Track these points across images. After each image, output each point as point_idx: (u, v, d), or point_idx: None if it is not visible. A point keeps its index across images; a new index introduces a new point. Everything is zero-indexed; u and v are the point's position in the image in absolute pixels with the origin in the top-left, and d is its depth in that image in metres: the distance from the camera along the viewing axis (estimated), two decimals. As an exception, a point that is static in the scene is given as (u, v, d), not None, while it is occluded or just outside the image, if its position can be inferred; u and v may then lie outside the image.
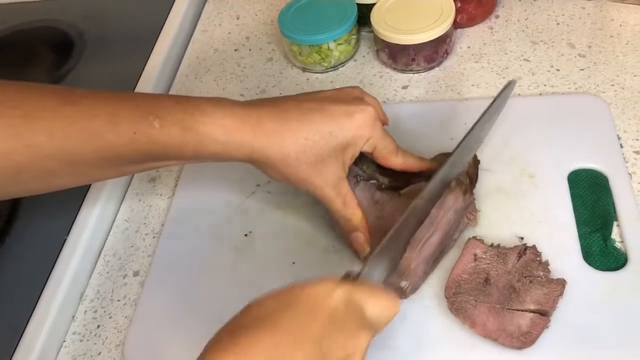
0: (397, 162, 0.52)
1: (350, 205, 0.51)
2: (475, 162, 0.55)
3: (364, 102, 0.50)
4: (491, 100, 0.53)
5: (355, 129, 0.49)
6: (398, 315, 0.48)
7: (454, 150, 0.50)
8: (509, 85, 0.54)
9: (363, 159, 0.54)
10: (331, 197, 0.50)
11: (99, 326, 0.55)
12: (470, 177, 0.54)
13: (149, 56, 0.75)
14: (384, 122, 0.53)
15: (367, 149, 0.50)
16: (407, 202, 0.50)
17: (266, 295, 0.38)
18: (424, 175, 0.52)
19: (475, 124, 0.51)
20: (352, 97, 0.51)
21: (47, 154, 0.45)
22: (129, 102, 0.47)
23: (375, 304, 0.39)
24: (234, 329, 0.36)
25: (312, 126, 0.48)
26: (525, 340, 0.45)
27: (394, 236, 0.45)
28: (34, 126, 0.44)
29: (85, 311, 0.56)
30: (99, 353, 0.53)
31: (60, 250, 0.58)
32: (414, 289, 0.49)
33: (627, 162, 0.56)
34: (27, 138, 0.44)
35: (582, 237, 0.51)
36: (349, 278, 0.41)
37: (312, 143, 0.47)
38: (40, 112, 0.45)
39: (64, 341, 0.54)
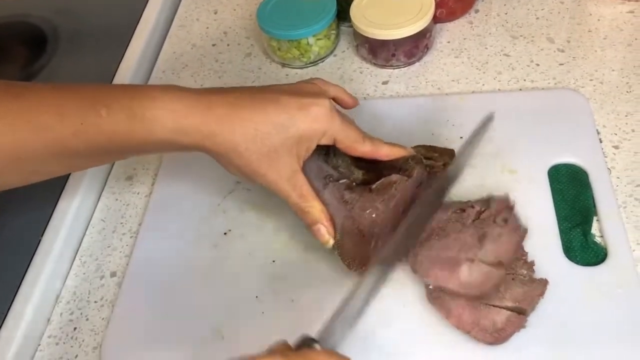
0: (364, 149, 0.51)
1: (307, 197, 0.49)
2: (451, 155, 0.55)
3: (320, 95, 0.49)
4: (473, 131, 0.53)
5: (309, 122, 0.48)
6: (380, 314, 0.48)
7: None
8: (488, 120, 0.54)
9: (337, 153, 0.53)
10: (286, 191, 0.49)
11: (75, 329, 0.53)
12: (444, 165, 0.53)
13: (125, 52, 0.74)
14: (349, 105, 0.52)
15: (326, 141, 0.49)
16: (375, 199, 0.49)
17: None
18: (395, 167, 0.52)
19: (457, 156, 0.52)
20: (309, 90, 0.50)
21: None
22: (76, 93, 0.46)
23: None
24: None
25: (264, 117, 0.47)
26: (498, 336, 0.45)
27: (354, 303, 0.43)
28: None
29: (61, 314, 0.55)
30: (76, 356, 0.52)
31: (35, 252, 0.56)
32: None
33: (606, 157, 0.56)
34: None
35: (562, 232, 0.51)
36: (304, 346, 0.39)
37: (262, 134, 0.47)
38: None
39: (39, 345, 0.53)
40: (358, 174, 0.53)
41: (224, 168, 0.50)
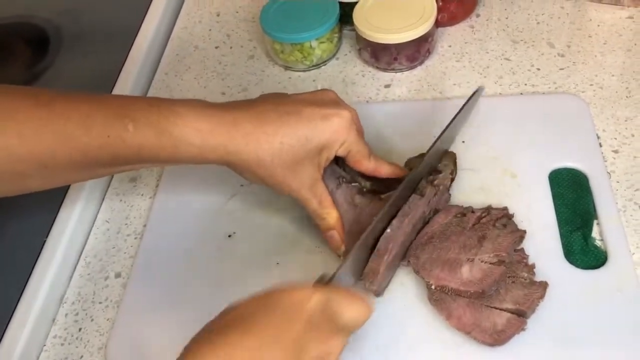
0: (369, 166, 0.52)
1: (325, 204, 0.51)
2: (454, 160, 0.56)
3: (340, 106, 0.51)
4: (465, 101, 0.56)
5: (331, 132, 0.49)
6: (381, 314, 0.48)
7: (426, 153, 0.52)
8: (478, 91, 0.57)
9: (344, 162, 0.54)
10: (307, 198, 0.51)
11: (80, 329, 0.54)
12: (451, 177, 0.54)
13: (128, 53, 0.74)
14: (359, 131, 0.53)
15: (341, 152, 0.51)
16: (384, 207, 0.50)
17: (244, 299, 0.39)
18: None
19: (446, 128, 0.54)
20: (328, 100, 0.51)
21: (18, 156, 0.44)
22: (102, 104, 0.47)
23: (350, 308, 0.40)
24: (214, 330, 0.37)
25: (288, 130, 0.48)
26: (498, 338, 0.46)
27: (364, 242, 0.47)
28: (5, 128, 0.43)
29: (66, 314, 0.55)
30: (81, 357, 0.52)
31: (40, 253, 0.57)
32: (382, 290, 0.50)
33: (606, 161, 0.57)
34: None
35: (563, 235, 0.52)
36: (323, 281, 0.43)
37: (287, 147, 0.48)
38: (12, 114, 0.44)
39: (44, 345, 0.53)
40: (366, 184, 0.54)
41: (245, 179, 0.51)
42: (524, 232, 0.51)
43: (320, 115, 0.49)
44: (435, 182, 0.52)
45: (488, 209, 0.52)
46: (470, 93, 0.65)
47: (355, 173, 0.54)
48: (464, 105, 0.57)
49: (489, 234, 0.50)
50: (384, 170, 0.53)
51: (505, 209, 0.53)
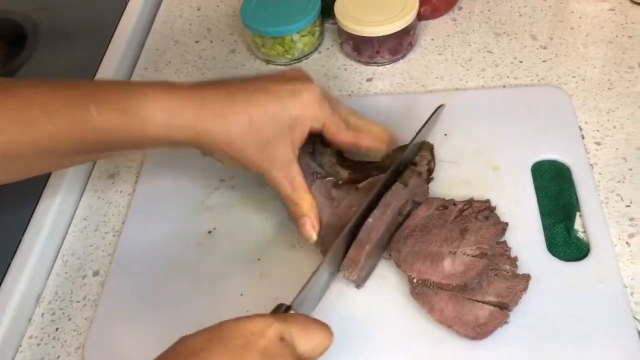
0: (348, 137, 0.51)
1: (299, 189, 0.49)
2: (430, 149, 0.56)
3: (309, 81, 0.50)
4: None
5: (301, 107, 0.48)
6: (363, 309, 0.48)
7: (405, 151, 0.52)
8: (439, 110, 0.57)
9: (322, 152, 0.53)
10: (278, 179, 0.49)
11: (57, 329, 0.53)
12: (428, 167, 0.54)
13: (107, 48, 0.73)
14: (335, 105, 0.52)
15: (316, 126, 0.50)
16: (363, 197, 0.50)
17: (198, 331, 0.37)
18: (384, 168, 0.53)
19: (411, 141, 0.54)
20: (297, 77, 0.51)
21: None
22: (65, 90, 0.45)
23: (308, 339, 0.39)
24: None
25: (257, 107, 0.47)
26: (480, 331, 0.45)
27: (345, 235, 0.46)
28: None
29: (43, 314, 0.54)
30: (58, 357, 0.51)
31: (15, 251, 0.55)
32: (362, 281, 0.49)
33: (588, 153, 0.57)
34: None
35: (546, 228, 0.52)
36: (281, 310, 0.41)
37: (257, 124, 0.47)
38: None
39: (20, 346, 0.52)
40: (344, 174, 0.53)
41: (216, 160, 0.49)
42: (506, 224, 0.50)
43: (289, 91, 0.48)
44: (417, 170, 0.52)
45: (470, 202, 0.52)
46: (453, 86, 0.65)
47: (333, 162, 0.53)
48: (425, 123, 0.56)
49: (471, 226, 0.49)
50: (364, 142, 0.52)
51: (488, 201, 0.52)
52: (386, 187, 0.50)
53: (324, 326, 0.40)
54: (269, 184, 0.50)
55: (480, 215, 0.50)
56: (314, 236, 0.50)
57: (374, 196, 0.49)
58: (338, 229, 0.48)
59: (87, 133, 0.44)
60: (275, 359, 0.36)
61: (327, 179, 0.53)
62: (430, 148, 0.55)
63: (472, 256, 0.47)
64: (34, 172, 0.49)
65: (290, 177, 0.49)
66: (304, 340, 0.38)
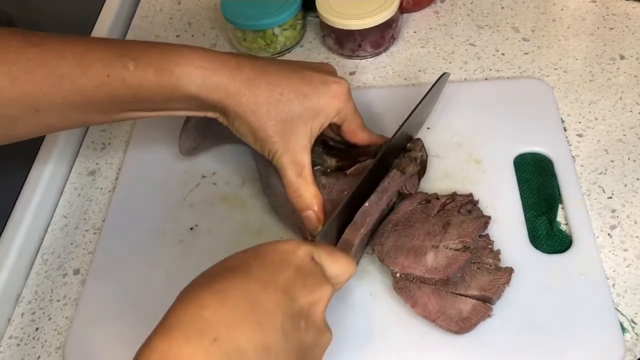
0: (363, 137, 0.53)
1: (305, 179, 0.49)
2: (424, 157, 0.55)
3: (338, 76, 0.51)
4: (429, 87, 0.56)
5: (329, 97, 0.49)
6: (346, 303, 0.48)
7: (393, 136, 0.52)
8: (443, 78, 0.57)
9: None
10: (287, 164, 0.49)
11: (37, 329, 0.52)
12: (418, 169, 0.54)
13: (86, 43, 0.72)
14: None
15: (337, 120, 0.51)
16: (353, 181, 0.50)
17: (234, 253, 0.39)
18: (370, 153, 0.53)
19: (411, 113, 0.54)
20: (329, 70, 0.52)
21: (9, 99, 0.43)
22: (100, 44, 0.46)
23: (335, 264, 0.40)
24: (209, 276, 0.37)
25: (289, 83, 0.48)
26: (463, 325, 0.45)
27: (339, 214, 0.47)
28: None
29: (23, 313, 0.53)
30: (38, 357, 0.50)
31: (-7, 251, 0.55)
32: (356, 262, 0.49)
33: (570, 145, 0.57)
34: None
35: (528, 220, 0.52)
36: (308, 240, 0.43)
37: (286, 99, 0.47)
38: (0, 55, 0.42)
39: (0, 346, 0.52)
40: (331, 162, 0.53)
41: (233, 130, 0.50)
42: (489, 217, 0.50)
43: (321, 80, 0.49)
44: (412, 156, 0.52)
45: (453, 196, 0.52)
46: (436, 79, 0.64)
47: (318, 153, 0.53)
48: (428, 91, 0.56)
49: (454, 220, 0.49)
50: (377, 142, 0.54)
51: (470, 195, 0.52)
52: (375, 172, 0.50)
53: (347, 255, 0.42)
54: (277, 167, 0.49)
55: (462, 209, 0.50)
56: (319, 228, 0.50)
57: (363, 180, 0.49)
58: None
59: (120, 89, 0.44)
60: (308, 276, 0.38)
61: (316, 167, 0.52)
62: (420, 145, 0.55)
63: (455, 250, 0.47)
64: (61, 127, 0.50)
65: (301, 165, 0.49)
66: (331, 264, 0.40)
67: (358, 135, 0.52)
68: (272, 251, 0.38)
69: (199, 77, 0.45)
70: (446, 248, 0.47)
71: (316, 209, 0.49)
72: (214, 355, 0.32)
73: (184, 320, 0.33)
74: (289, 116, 0.48)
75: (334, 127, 0.53)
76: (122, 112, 0.48)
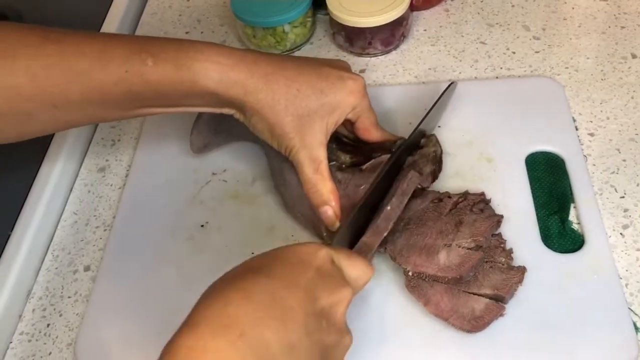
0: (376, 135, 0.53)
1: (322, 174, 0.49)
2: (438, 153, 0.55)
3: (353, 73, 0.52)
4: (444, 88, 0.56)
5: (346, 93, 0.49)
6: (358, 302, 0.47)
7: (402, 143, 0.53)
8: (451, 87, 0.57)
9: None
10: (304, 160, 0.49)
11: (48, 325, 0.52)
12: (434, 168, 0.54)
13: (95, 40, 0.72)
14: None
15: (352, 117, 0.51)
16: (369, 176, 0.50)
17: (255, 255, 0.39)
18: (384, 149, 0.53)
19: (417, 125, 0.54)
20: (344, 66, 0.53)
21: (27, 95, 0.43)
22: (119, 40, 0.46)
23: (353, 267, 0.41)
24: (233, 276, 0.37)
25: (306, 79, 0.48)
26: (476, 324, 0.45)
27: (356, 214, 0.47)
28: (13, 66, 0.42)
29: (34, 310, 0.53)
30: (49, 353, 0.50)
31: (4, 247, 0.54)
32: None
33: (582, 144, 0.57)
34: (6, 79, 0.42)
35: (540, 219, 0.52)
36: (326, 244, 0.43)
37: (303, 95, 0.48)
38: (19, 51, 0.42)
39: (11, 342, 0.52)
40: (345, 158, 0.54)
41: (250, 127, 0.50)
42: (501, 216, 0.50)
43: (337, 76, 0.49)
44: (427, 154, 0.53)
45: (465, 194, 0.52)
46: (446, 78, 0.64)
47: (331, 149, 0.53)
48: (436, 102, 0.56)
49: (466, 219, 0.49)
50: (388, 141, 0.54)
51: (482, 193, 0.52)
52: (388, 170, 0.50)
53: (365, 259, 0.43)
54: (294, 163, 0.50)
55: (475, 207, 0.50)
56: (337, 223, 0.50)
57: (380, 178, 0.49)
58: (350, 208, 0.49)
59: (138, 84, 0.45)
60: (328, 277, 0.38)
61: (331, 163, 0.52)
62: (434, 140, 0.55)
63: (468, 249, 0.47)
64: (79, 124, 0.50)
65: (317, 161, 0.49)
66: (350, 267, 0.40)
67: (371, 133, 0.52)
68: (292, 253, 0.39)
69: (217, 73, 0.46)
70: (459, 247, 0.47)
71: (333, 204, 0.49)
72: (241, 349, 0.32)
73: (210, 316, 0.33)
74: (306, 112, 0.48)
75: (347, 124, 0.53)
76: (139, 108, 0.48)
